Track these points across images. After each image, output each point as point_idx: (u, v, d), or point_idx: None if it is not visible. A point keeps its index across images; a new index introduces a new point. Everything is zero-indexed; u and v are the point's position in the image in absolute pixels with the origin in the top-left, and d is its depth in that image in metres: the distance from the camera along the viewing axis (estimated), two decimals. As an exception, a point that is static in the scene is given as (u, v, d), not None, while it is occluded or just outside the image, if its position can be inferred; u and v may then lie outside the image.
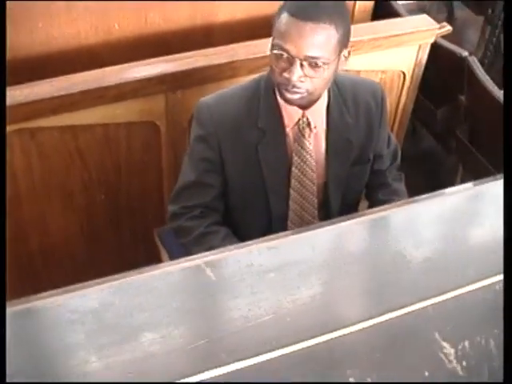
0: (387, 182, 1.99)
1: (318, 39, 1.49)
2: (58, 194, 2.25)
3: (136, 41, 2.49)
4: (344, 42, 1.57)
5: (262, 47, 2.25)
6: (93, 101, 2.05)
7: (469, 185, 1.53)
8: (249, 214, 1.85)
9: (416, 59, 2.52)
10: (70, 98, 1.99)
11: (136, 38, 2.49)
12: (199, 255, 1.18)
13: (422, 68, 2.56)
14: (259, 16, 2.70)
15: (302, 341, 1.05)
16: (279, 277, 1.17)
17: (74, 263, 2.48)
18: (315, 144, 1.76)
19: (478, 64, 2.47)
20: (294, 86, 1.56)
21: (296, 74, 1.53)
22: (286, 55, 1.52)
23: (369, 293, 1.18)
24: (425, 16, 2.48)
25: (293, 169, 1.77)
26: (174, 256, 2.18)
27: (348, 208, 1.93)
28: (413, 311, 1.12)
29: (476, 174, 2.79)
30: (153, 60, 2.17)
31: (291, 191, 1.81)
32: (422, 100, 2.77)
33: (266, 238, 1.24)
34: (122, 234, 2.51)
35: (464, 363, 1.06)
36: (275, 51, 1.53)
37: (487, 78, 2.43)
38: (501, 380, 1.01)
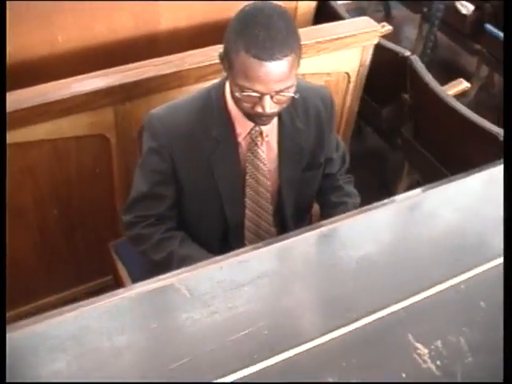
0: (339, 184, 2.01)
1: (285, 72, 1.48)
2: (10, 212, 2.20)
3: (80, 52, 2.46)
4: (300, 56, 1.56)
5: (208, 55, 2.27)
6: (39, 117, 2.02)
7: (423, 188, 1.56)
8: (205, 222, 1.85)
9: (360, 60, 2.57)
10: (16, 114, 1.95)
11: (80, 50, 2.46)
12: (171, 273, 1.17)
13: (366, 69, 2.61)
14: (202, 23, 2.72)
15: (281, 352, 1.07)
16: (252, 290, 1.18)
17: (29, 280, 2.44)
18: (268, 151, 1.77)
19: (421, 63, 2.54)
20: (267, 116, 1.58)
21: (268, 107, 1.53)
22: (255, 94, 1.51)
23: (340, 300, 1.19)
24: (367, 18, 2.53)
25: (247, 178, 1.78)
26: (131, 268, 2.17)
27: (301, 213, 1.96)
28: (385, 315, 1.15)
29: (421, 169, 2.88)
30: (100, 72, 2.15)
31: (247, 200, 1.82)
32: (366, 100, 2.82)
33: (235, 252, 1.25)
34: (77, 248, 2.48)
35: (438, 362, 1.10)
36: (245, 93, 1.51)
37: (430, 76, 2.50)
38: (501, 378, 1.05)
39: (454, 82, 2.78)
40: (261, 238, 1.89)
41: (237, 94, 1.55)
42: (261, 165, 1.77)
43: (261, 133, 1.72)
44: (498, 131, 2.23)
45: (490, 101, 3.68)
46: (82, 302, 1.09)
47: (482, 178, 1.58)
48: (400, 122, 2.79)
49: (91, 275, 2.58)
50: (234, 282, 1.18)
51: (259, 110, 1.54)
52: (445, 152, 2.59)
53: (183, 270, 1.18)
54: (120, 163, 2.32)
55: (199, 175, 1.75)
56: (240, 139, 1.73)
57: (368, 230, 1.39)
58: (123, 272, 2.20)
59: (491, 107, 2.62)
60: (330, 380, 1.03)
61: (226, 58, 1.55)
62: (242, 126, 1.71)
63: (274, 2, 1.57)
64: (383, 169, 3.28)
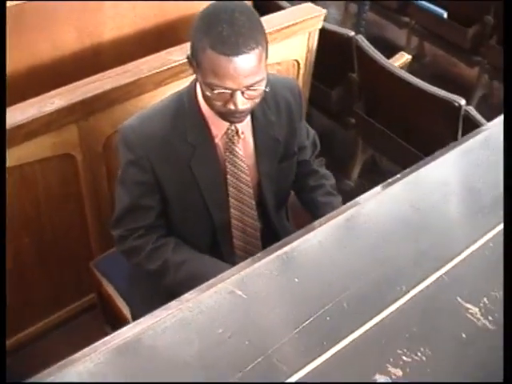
0: (314, 168, 2.05)
1: (253, 66, 1.48)
2: (-19, 246, 2.13)
3: (28, 72, 2.39)
4: (267, 49, 1.56)
5: (163, 59, 2.25)
6: (4, 144, 1.96)
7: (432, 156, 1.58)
8: (192, 227, 1.84)
9: (307, 46, 2.61)
10: (-20, 144, 1.88)
11: (27, 70, 2.39)
12: (221, 277, 1.16)
13: (314, 54, 2.66)
14: (145, 28, 2.69)
15: (348, 335, 1.09)
16: (304, 280, 1.17)
17: (8, 313, 2.35)
18: (244, 148, 1.77)
19: (366, 40, 2.60)
20: (240, 113, 1.57)
21: (240, 103, 1.52)
22: (226, 91, 1.51)
23: (387, 274, 1.23)
24: (309, 4, 2.57)
25: (228, 177, 1.78)
26: (117, 283, 2.15)
27: (282, 201, 1.99)
28: (431, 283, 1.20)
29: (377, 144, 2.96)
30: (59, 90, 2.10)
31: (230, 199, 1.82)
32: (314, 84, 2.86)
33: (276, 245, 1.25)
34: (52, 272, 2.41)
35: (490, 318, 1.15)
36: (215, 91, 1.51)
37: (376, 51, 2.57)
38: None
39: (396, 56, 2.87)
40: (247, 234, 1.91)
41: (207, 93, 1.54)
42: (240, 162, 1.77)
43: (237, 131, 1.72)
44: (454, 98, 2.32)
45: (424, 70, 3.79)
46: (142, 319, 1.07)
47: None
48: (351, 102, 2.85)
49: (71, 298, 2.52)
50: (284, 275, 1.18)
51: (231, 107, 1.54)
52: (400, 124, 2.67)
53: (228, 273, 1.18)
54: (87, 179, 2.28)
55: (181, 181, 1.74)
56: (217, 140, 1.73)
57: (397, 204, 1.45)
58: (109, 288, 2.18)
59: (426, 77, 2.72)
60: (399, 352, 1.07)
61: (193, 58, 1.54)
62: (218, 128, 1.70)
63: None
64: (336, 149, 3.34)
